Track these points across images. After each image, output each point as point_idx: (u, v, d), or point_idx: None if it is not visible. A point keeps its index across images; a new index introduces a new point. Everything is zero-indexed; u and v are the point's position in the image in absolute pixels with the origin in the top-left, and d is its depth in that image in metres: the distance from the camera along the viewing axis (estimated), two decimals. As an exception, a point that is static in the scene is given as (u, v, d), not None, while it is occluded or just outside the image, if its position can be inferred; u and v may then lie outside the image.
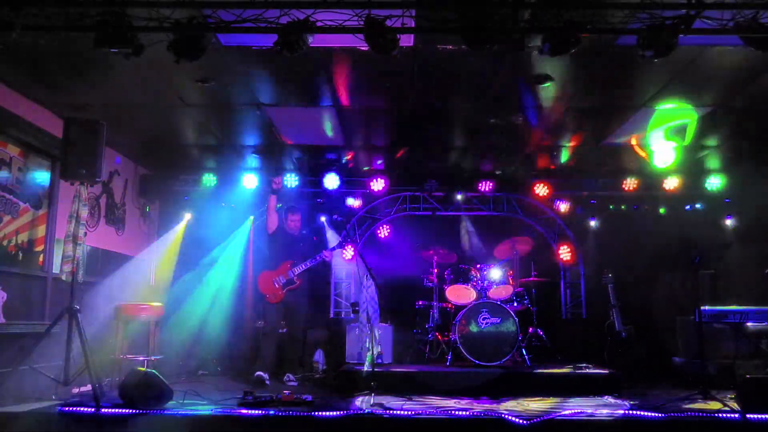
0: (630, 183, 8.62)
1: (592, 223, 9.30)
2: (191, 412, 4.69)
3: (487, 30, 4.14)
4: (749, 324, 6.72)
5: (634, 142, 7.47)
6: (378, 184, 8.66)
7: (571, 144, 7.68)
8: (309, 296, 7.32)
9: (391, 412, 4.74)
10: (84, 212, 5.37)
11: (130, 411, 4.60)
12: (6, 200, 5.84)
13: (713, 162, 8.31)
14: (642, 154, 7.83)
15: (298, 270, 6.93)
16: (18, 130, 5.96)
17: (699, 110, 6.43)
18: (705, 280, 8.26)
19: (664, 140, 7.38)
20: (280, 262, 6.97)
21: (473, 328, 6.91)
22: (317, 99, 6.31)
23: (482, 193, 8.94)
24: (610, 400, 5.74)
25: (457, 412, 4.75)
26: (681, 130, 7.03)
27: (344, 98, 6.24)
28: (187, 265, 8.56)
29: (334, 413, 4.62)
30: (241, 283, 8.68)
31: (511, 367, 6.72)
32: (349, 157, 8.32)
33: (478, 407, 5.15)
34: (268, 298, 6.90)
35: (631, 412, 4.88)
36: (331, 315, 9.27)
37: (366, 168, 8.81)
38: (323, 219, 8.82)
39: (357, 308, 6.84)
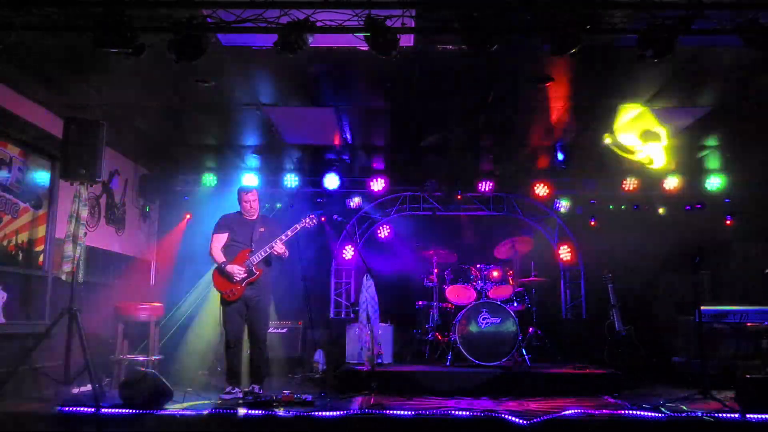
0: (630, 183, 8.62)
1: (592, 223, 9.30)
2: (191, 412, 4.69)
3: (486, 30, 4.15)
4: (749, 324, 6.73)
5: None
6: (378, 184, 8.66)
7: (572, 143, 7.68)
8: (274, 290, 6.26)
9: (391, 412, 4.74)
10: (84, 212, 5.38)
11: (130, 411, 4.60)
12: (6, 200, 5.84)
13: (713, 162, 8.32)
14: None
15: (256, 259, 5.86)
16: (18, 130, 5.96)
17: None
18: (705, 280, 8.26)
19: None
20: (236, 251, 5.95)
21: (473, 328, 6.91)
22: (317, 99, 6.31)
23: (482, 193, 8.93)
24: (610, 400, 5.74)
25: (457, 412, 4.74)
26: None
27: (344, 98, 6.24)
28: (186, 264, 8.56)
29: (334, 413, 4.62)
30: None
31: (511, 367, 6.72)
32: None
33: (478, 407, 5.15)
34: (226, 296, 5.85)
35: (631, 412, 4.88)
36: (331, 315, 9.27)
37: (365, 167, 8.81)
38: (323, 219, 8.82)
39: (357, 308, 6.82)
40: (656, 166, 8.00)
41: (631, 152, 7.74)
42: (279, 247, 5.87)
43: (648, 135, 7.17)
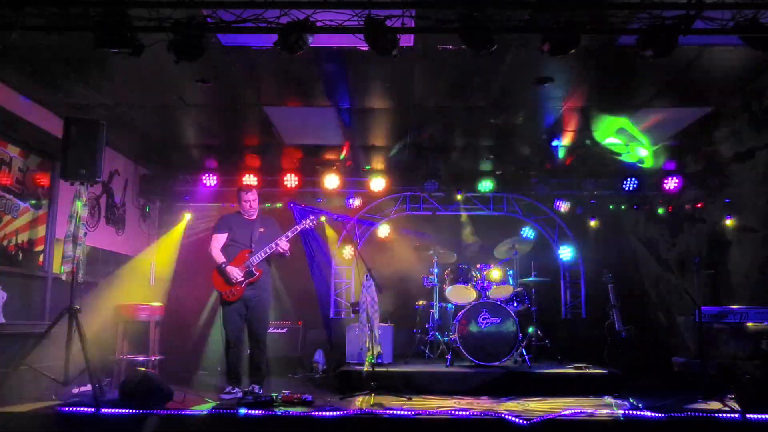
0: (630, 183, 8.62)
1: (592, 223, 9.30)
2: (191, 412, 4.69)
3: (486, 30, 4.15)
4: (749, 324, 6.73)
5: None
6: (378, 184, 8.66)
7: (571, 144, 7.68)
8: (273, 290, 6.29)
9: (391, 412, 4.74)
10: (84, 212, 5.37)
11: (130, 411, 4.59)
12: (6, 200, 5.84)
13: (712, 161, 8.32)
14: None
15: (257, 259, 5.87)
16: (18, 130, 5.96)
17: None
18: (705, 280, 8.26)
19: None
20: (236, 252, 5.97)
21: (473, 328, 6.91)
22: (317, 99, 6.31)
23: (482, 193, 8.93)
24: (610, 400, 5.74)
25: (457, 412, 4.74)
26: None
27: (344, 98, 6.25)
28: (186, 264, 8.56)
29: (334, 413, 4.62)
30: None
31: (511, 367, 6.72)
32: (344, 151, 8.24)
33: (478, 407, 5.15)
34: (226, 296, 5.86)
35: (631, 412, 4.88)
36: (331, 315, 9.27)
37: (367, 168, 8.80)
38: (323, 219, 8.81)
39: (357, 308, 6.82)
40: (651, 165, 8.03)
41: (621, 153, 7.81)
42: (284, 244, 5.90)
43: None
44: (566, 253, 9.28)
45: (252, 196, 6.06)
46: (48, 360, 5.33)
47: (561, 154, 8.07)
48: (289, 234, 5.96)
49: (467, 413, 4.72)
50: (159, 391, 4.88)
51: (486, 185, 8.81)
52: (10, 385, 4.91)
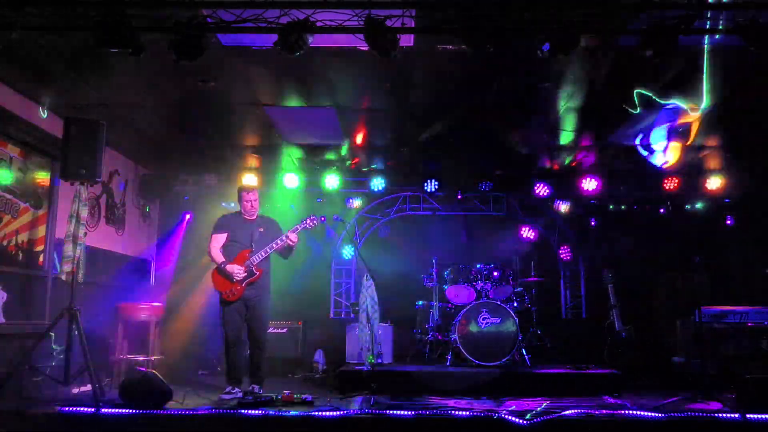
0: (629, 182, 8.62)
1: (592, 223, 9.29)
2: (191, 412, 4.69)
3: (486, 30, 4.15)
4: (749, 324, 6.73)
5: (637, 141, 7.45)
6: (378, 184, 8.65)
7: (571, 144, 7.67)
8: (272, 290, 6.21)
9: (391, 412, 4.74)
10: (84, 212, 5.38)
11: (130, 411, 4.60)
12: (6, 200, 5.84)
13: (713, 162, 8.31)
14: (644, 153, 7.82)
15: (257, 259, 5.88)
16: (18, 130, 5.96)
17: (702, 110, 6.42)
18: (705, 280, 8.26)
19: (666, 140, 7.37)
20: (236, 252, 5.96)
21: (473, 328, 6.91)
22: (317, 99, 6.31)
23: (482, 193, 8.93)
24: (610, 400, 5.74)
25: (457, 412, 4.74)
26: (684, 131, 7.02)
27: (344, 98, 6.25)
28: (186, 264, 8.56)
29: (334, 413, 4.63)
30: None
31: (511, 367, 6.72)
32: (354, 161, 8.30)
33: (478, 407, 5.15)
34: (226, 296, 5.85)
35: (631, 412, 4.88)
36: (331, 315, 9.27)
37: (366, 168, 8.80)
38: (323, 219, 8.78)
39: (357, 308, 6.82)
40: (665, 166, 7.99)
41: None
42: (294, 237, 5.94)
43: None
44: (566, 253, 9.28)
45: (253, 197, 6.08)
46: (48, 360, 5.34)
47: (561, 154, 8.06)
48: (290, 234, 5.97)
49: (467, 413, 4.72)
50: (159, 391, 4.87)
51: (486, 185, 8.82)
52: (10, 385, 4.91)
